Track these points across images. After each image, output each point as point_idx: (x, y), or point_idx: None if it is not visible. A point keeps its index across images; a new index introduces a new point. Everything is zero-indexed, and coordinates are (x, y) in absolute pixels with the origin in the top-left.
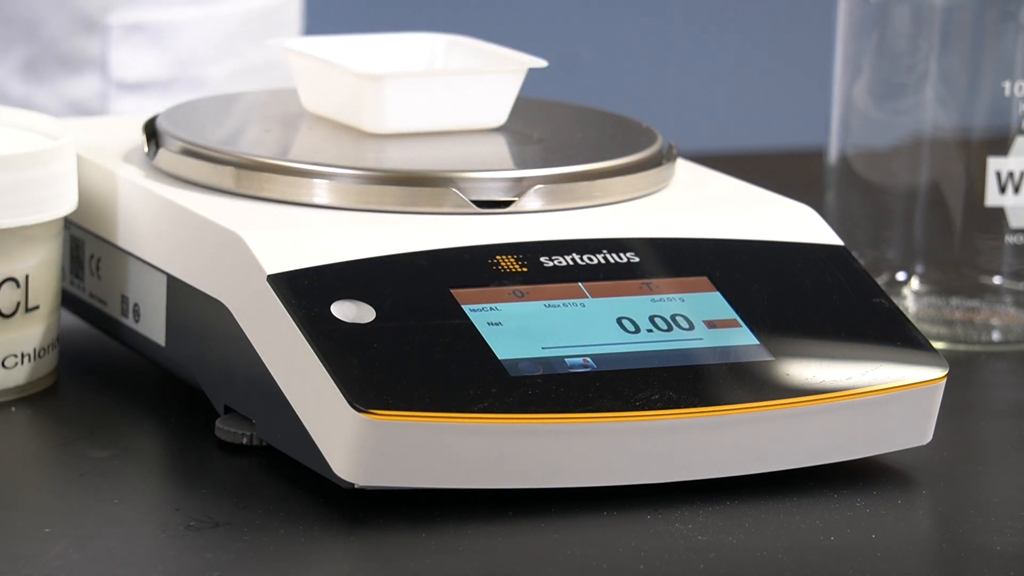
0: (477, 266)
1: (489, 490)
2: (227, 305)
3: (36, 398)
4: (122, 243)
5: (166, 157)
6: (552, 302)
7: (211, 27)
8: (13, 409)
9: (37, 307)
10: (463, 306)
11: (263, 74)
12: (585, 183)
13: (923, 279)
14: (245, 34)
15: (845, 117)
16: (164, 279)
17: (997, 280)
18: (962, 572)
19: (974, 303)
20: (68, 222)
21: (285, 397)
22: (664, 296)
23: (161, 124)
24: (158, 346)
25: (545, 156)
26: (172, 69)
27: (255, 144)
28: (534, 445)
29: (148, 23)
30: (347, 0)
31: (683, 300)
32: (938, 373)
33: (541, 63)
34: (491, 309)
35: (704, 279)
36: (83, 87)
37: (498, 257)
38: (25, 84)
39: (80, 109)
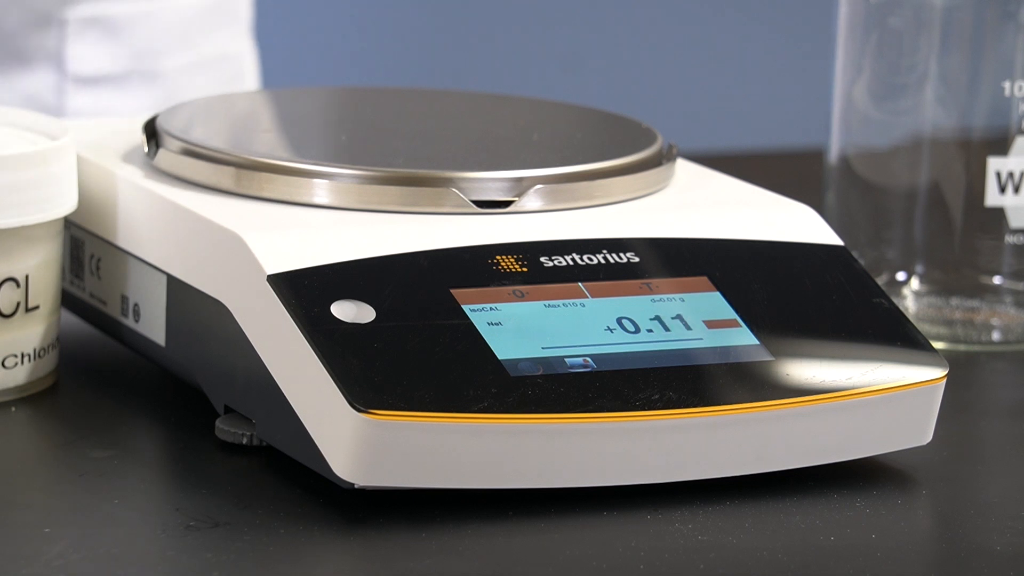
0: (477, 266)
1: (489, 490)
2: (227, 305)
3: (36, 398)
4: (122, 243)
5: (166, 157)
6: (552, 302)
7: (166, 19)
8: (13, 409)
9: (37, 307)
10: (463, 306)
11: (216, 66)
12: (585, 183)
13: (923, 279)
14: (198, 25)
15: (845, 117)
16: (164, 279)
17: (997, 280)
18: (962, 572)
19: (974, 303)
20: (68, 222)
21: (285, 397)
22: (664, 296)
23: (161, 124)
24: (158, 346)
25: (545, 156)
26: (127, 62)
27: (255, 144)
28: (534, 445)
29: (104, 16)
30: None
31: (683, 300)
32: (938, 373)
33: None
34: (491, 309)
35: (704, 279)
36: (39, 82)
37: (498, 257)
38: None
39: (36, 103)
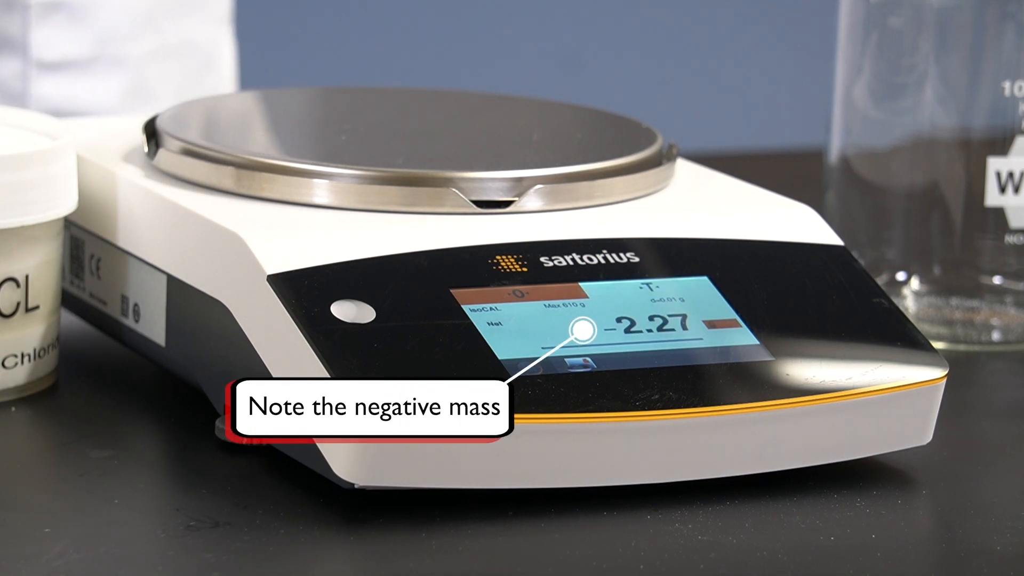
0: (477, 266)
1: (489, 490)
2: (227, 305)
3: (36, 398)
4: (122, 243)
5: (166, 157)
6: (552, 302)
7: (129, 3)
8: (13, 409)
9: (37, 307)
10: (463, 306)
11: (182, 52)
12: (585, 183)
13: (923, 279)
14: (163, 10)
15: (845, 117)
16: (164, 279)
17: (997, 280)
18: (962, 572)
19: (974, 303)
20: (68, 222)
21: None
22: (664, 296)
23: (161, 124)
24: (158, 346)
25: (545, 156)
26: (92, 47)
27: (255, 144)
28: (534, 445)
29: (67, 0)
30: None
31: (683, 300)
32: (938, 373)
33: None
34: (491, 309)
35: (704, 279)
36: (3, 69)
37: (498, 257)
38: None
39: (1, 90)
